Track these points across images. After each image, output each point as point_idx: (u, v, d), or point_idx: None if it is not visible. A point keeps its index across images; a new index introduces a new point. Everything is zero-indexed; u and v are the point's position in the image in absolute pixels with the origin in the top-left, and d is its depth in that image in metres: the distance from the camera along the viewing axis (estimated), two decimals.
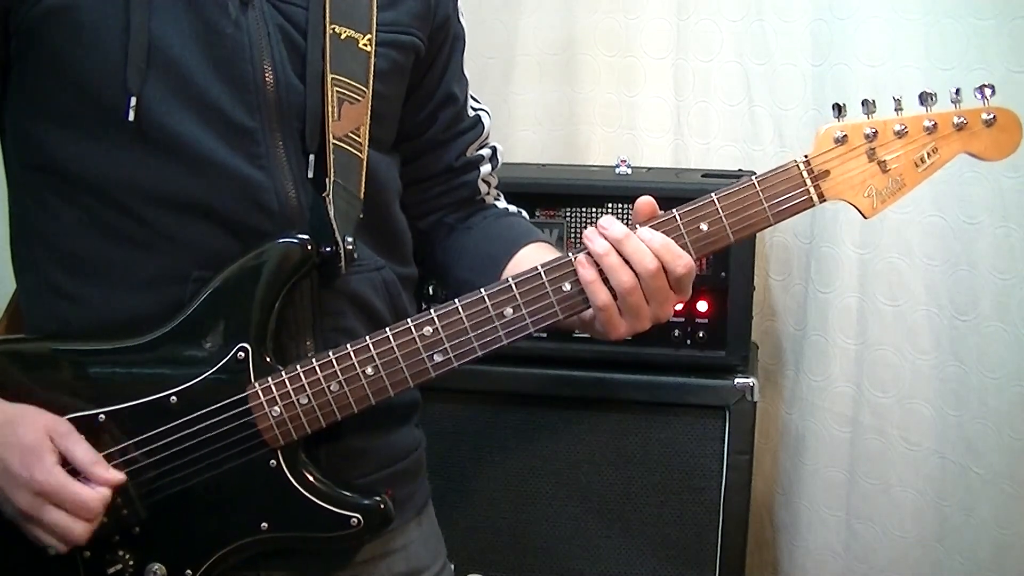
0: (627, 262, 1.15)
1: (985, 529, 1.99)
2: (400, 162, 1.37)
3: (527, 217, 1.49)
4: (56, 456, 1.11)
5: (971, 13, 1.88)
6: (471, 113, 1.42)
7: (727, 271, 1.94)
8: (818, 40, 2.11)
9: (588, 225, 1.98)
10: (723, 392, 1.93)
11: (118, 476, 1.13)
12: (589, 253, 1.16)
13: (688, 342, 1.96)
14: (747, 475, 1.94)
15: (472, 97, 1.43)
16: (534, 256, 1.28)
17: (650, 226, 1.17)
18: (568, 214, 1.99)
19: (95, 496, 1.11)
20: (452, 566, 1.45)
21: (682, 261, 1.15)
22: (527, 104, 2.40)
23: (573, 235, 1.99)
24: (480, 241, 1.39)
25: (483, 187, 1.44)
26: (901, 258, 2.05)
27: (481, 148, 1.43)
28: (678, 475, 1.96)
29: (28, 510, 1.11)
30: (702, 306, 1.95)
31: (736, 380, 1.93)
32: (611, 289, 1.16)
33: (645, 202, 1.19)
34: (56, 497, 1.10)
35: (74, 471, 1.12)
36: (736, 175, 2.05)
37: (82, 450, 1.13)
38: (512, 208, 1.48)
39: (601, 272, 1.16)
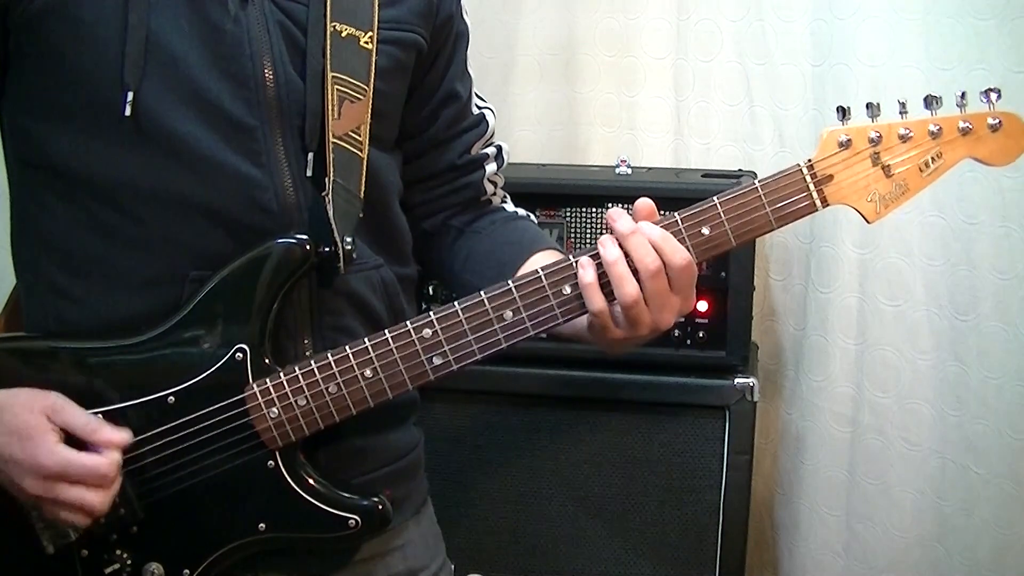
0: (629, 258, 1.14)
1: (985, 529, 1.99)
2: (402, 160, 1.36)
3: (535, 221, 1.48)
4: (56, 434, 1.11)
5: (971, 13, 1.88)
6: (475, 111, 1.41)
7: (727, 271, 1.94)
8: (818, 40, 2.10)
9: (588, 225, 1.98)
10: (723, 392, 1.93)
11: (123, 435, 1.13)
12: (595, 255, 1.16)
13: (688, 342, 1.96)
14: (747, 475, 1.94)
15: (477, 95, 1.42)
16: (544, 263, 1.27)
17: None
18: (568, 214, 1.99)
19: (105, 462, 1.10)
20: (452, 565, 1.45)
21: (680, 254, 1.14)
22: (527, 104, 2.40)
23: (573, 235, 1.99)
24: (489, 246, 1.38)
25: (488, 187, 1.43)
26: (901, 258, 2.05)
27: (486, 147, 1.42)
28: (678, 475, 1.96)
29: (42, 494, 1.10)
30: (702, 306, 1.95)
31: (736, 380, 1.93)
32: (609, 295, 1.15)
33: (645, 204, 1.18)
34: (67, 475, 1.09)
35: (80, 442, 1.11)
36: (736, 175, 2.05)
37: (80, 419, 1.12)
38: (520, 211, 1.47)
39: (601, 275, 1.15)
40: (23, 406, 1.12)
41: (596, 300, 1.15)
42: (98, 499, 1.11)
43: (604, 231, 1.92)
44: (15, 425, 1.11)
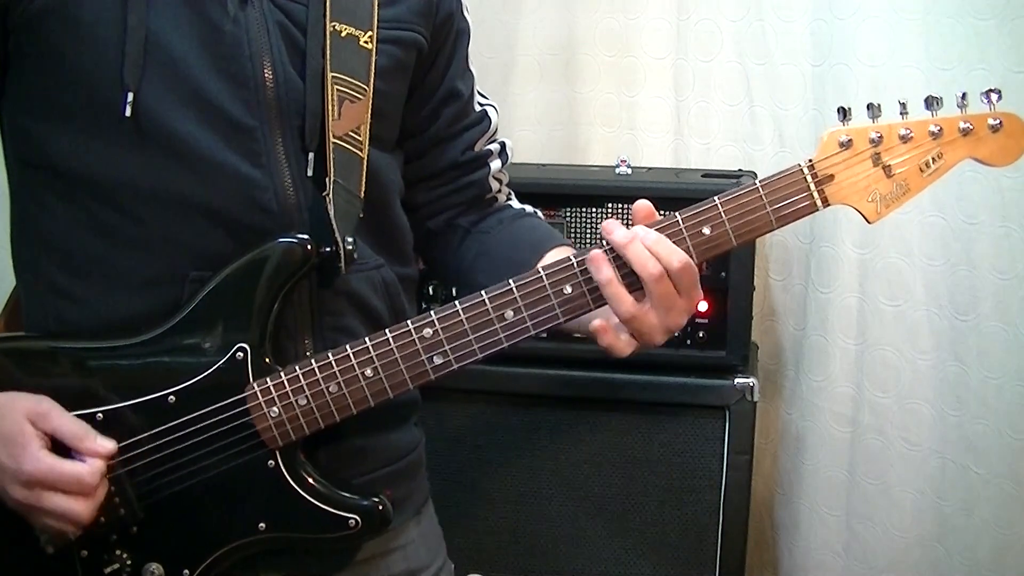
0: (630, 267, 1.14)
1: (985, 529, 1.99)
2: (404, 159, 1.36)
3: (541, 216, 1.47)
4: (41, 441, 1.10)
5: (971, 13, 1.88)
6: (477, 108, 1.41)
7: (727, 271, 1.94)
8: (818, 40, 2.10)
9: (588, 225, 1.98)
10: (723, 392, 1.93)
11: (108, 445, 1.12)
12: (585, 271, 1.16)
13: (688, 342, 1.96)
14: (747, 475, 1.94)
15: (479, 92, 1.42)
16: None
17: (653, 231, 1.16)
18: (568, 214, 1.99)
19: (88, 470, 1.10)
20: (452, 565, 1.45)
21: (677, 256, 1.14)
22: (527, 104, 2.40)
23: (573, 235, 1.99)
24: (500, 246, 1.37)
25: (494, 184, 1.42)
26: (901, 258, 2.05)
27: (489, 143, 1.42)
28: (678, 475, 1.96)
29: (26, 501, 1.10)
30: (702, 306, 1.94)
31: (736, 380, 1.93)
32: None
33: (643, 206, 1.18)
34: (50, 482, 1.09)
35: (66, 448, 1.11)
36: (736, 175, 2.05)
37: (67, 426, 1.12)
38: (528, 208, 1.46)
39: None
40: (10, 411, 1.12)
41: (620, 348, 1.19)
42: (81, 507, 1.10)
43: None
44: (1, 430, 1.11)
